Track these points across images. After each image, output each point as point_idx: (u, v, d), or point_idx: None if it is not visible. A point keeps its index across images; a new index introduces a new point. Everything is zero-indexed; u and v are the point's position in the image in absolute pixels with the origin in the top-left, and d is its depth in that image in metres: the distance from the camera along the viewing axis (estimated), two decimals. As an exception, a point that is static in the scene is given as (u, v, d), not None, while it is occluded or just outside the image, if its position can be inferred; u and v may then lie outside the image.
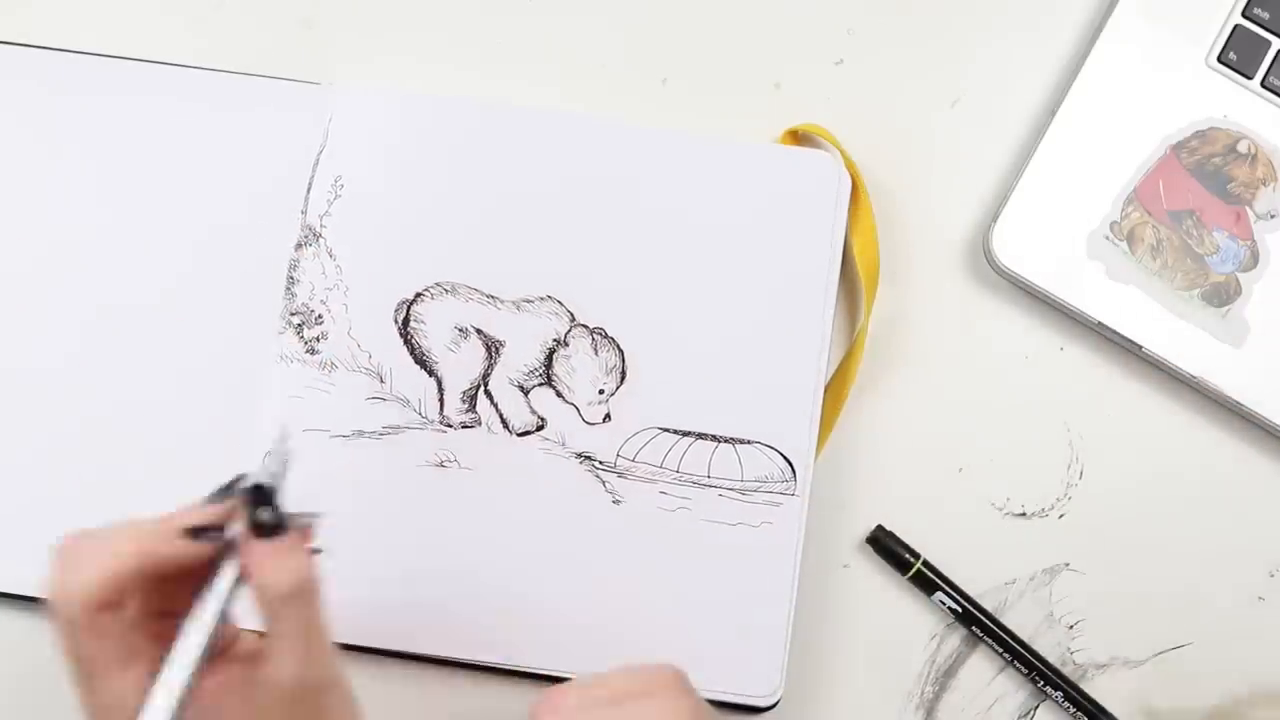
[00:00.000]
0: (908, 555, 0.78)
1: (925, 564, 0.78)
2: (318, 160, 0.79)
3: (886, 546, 0.78)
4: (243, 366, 0.77)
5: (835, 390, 0.79)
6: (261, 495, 0.58)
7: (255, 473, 0.59)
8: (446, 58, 0.83)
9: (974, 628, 0.78)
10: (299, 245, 0.78)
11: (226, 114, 0.80)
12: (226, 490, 0.60)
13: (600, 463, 0.77)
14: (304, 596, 0.58)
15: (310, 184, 0.79)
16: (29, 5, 0.83)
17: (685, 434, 0.77)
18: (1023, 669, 0.78)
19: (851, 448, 0.80)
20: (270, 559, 0.57)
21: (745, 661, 0.75)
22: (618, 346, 0.78)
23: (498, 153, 0.79)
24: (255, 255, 0.78)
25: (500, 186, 0.79)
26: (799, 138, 0.82)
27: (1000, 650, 0.78)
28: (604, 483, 0.77)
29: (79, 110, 0.80)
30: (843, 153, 0.81)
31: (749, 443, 0.77)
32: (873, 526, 0.79)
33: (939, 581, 0.78)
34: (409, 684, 0.76)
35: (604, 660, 0.74)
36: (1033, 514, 0.80)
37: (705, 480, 0.77)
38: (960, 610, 0.78)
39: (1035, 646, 0.78)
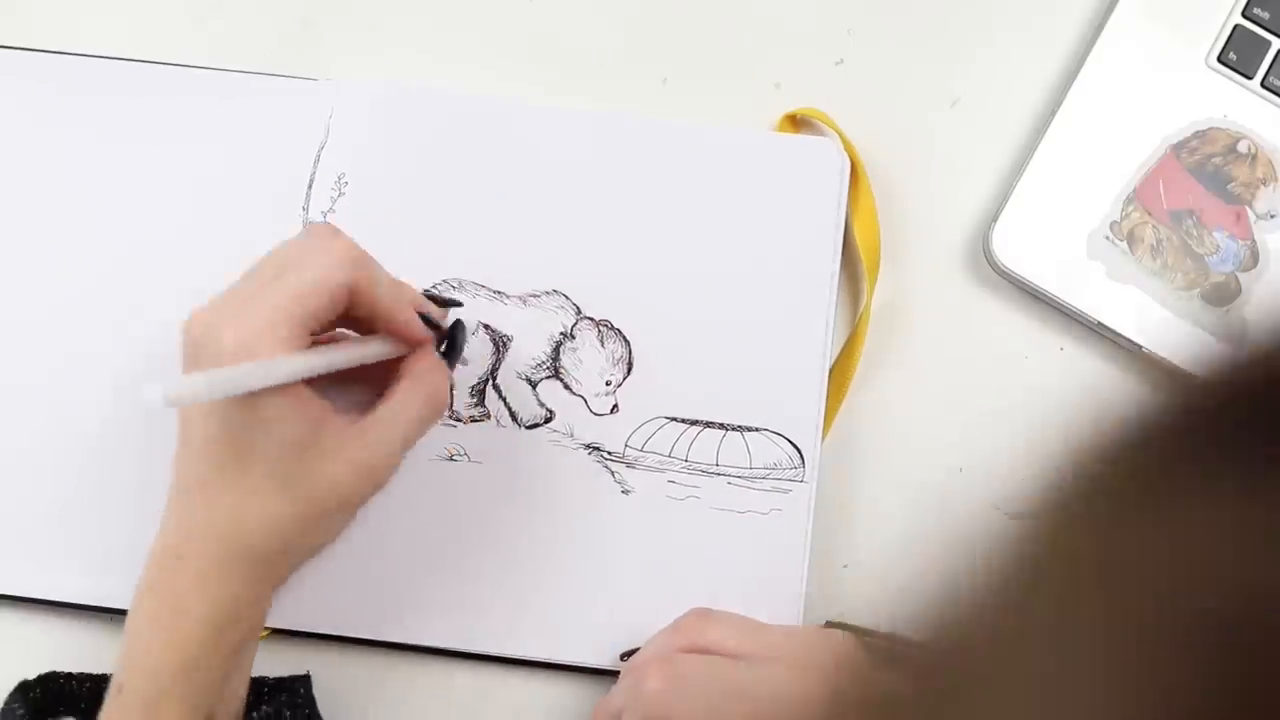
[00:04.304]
0: (865, 639, 0.77)
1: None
2: (319, 156, 0.79)
3: None
4: (249, 364, 0.77)
5: (840, 373, 0.79)
6: (457, 330, 0.70)
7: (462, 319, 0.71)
8: (446, 61, 0.83)
9: None
10: (301, 242, 0.78)
11: (226, 112, 0.80)
12: (443, 304, 0.70)
13: (609, 453, 0.77)
14: (435, 411, 0.67)
15: (311, 180, 0.78)
16: (29, 5, 0.82)
17: (693, 422, 0.77)
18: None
19: (851, 448, 0.80)
20: (438, 370, 0.68)
21: None
22: (624, 338, 0.78)
23: (500, 148, 0.80)
24: (259, 253, 0.78)
25: (503, 181, 0.79)
26: (798, 123, 0.82)
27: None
28: (613, 473, 0.77)
29: (78, 111, 0.80)
30: (841, 135, 0.81)
31: (756, 430, 0.77)
32: (874, 528, 0.79)
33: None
34: (418, 676, 0.76)
35: (614, 650, 0.75)
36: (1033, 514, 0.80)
37: (714, 468, 0.77)
38: None
39: (1035, 647, 0.78)
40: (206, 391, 0.60)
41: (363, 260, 0.65)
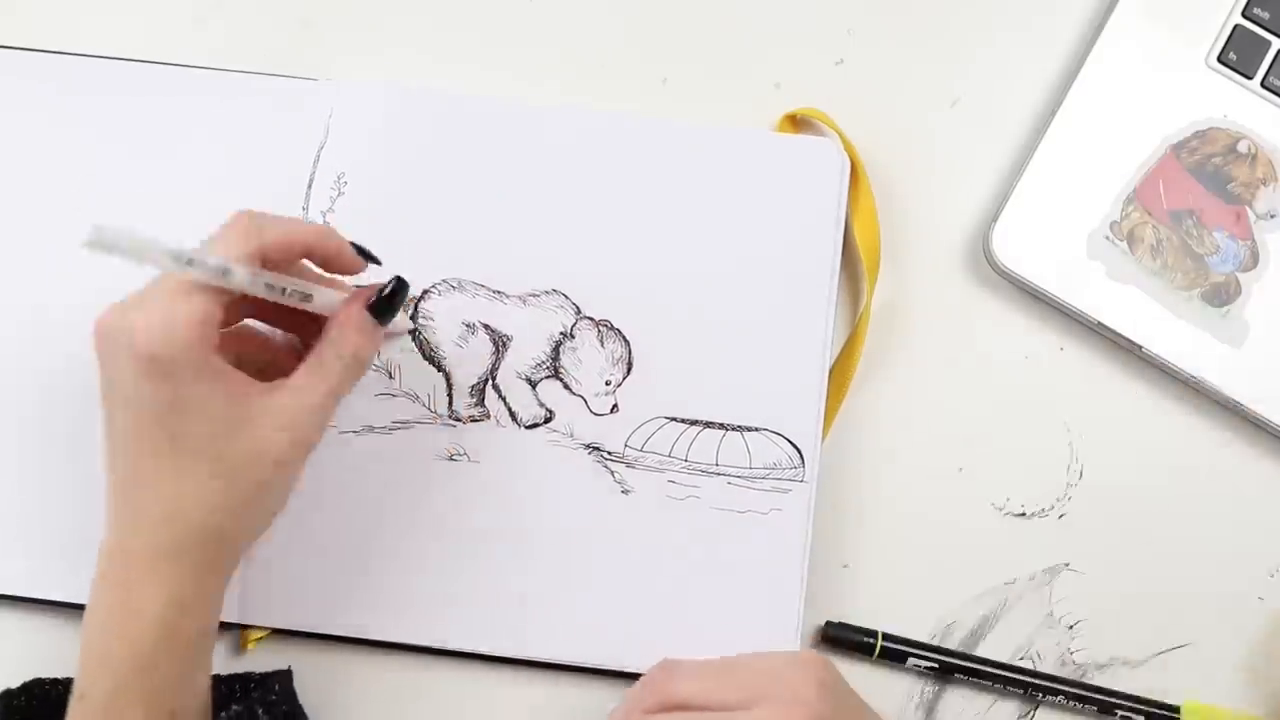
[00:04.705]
0: (865, 639, 0.77)
1: (886, 637, 0.77)
2: (318, 156, 0.79)
3: (843, 640, 0.78)
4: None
5: (840, 374, 0.79)
6: (397, 290, 0.68)
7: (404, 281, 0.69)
8: (446, 61, 0.83)
9: (957, 674, 0.78)
10: (301, 242, 0.78)
11: (225, 112, 0.80)
12: (373, 258, 0.69)
13: (609, 453, 0.77)
14: (357, 368, 0.67)
15: (311, 180, 0.78)
16: (29, 5, 0.82)
17: (693, 422, 0.77)
18: (1018, 690, 0.78)
19: (851, 448, 0.80)
20: (364, 328, 0.67)
21: (757, 646, 0.75)
22: (624, 338, 0.78)
23: (500, 147, 0.80)
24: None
25: (503, 181, 0.79)
26: (798, 123, 0.82)
27: (991, 683, 0.78)
28: (613, 473, 0.77)
29: (78, 111, 0.80)
30: (841, 136, 0.81)
31: (756, 430, 0.77)
32: (874, 528, 0.79)
33: (908, 650, 0.78)
34: (420, 676, 0.76)
35: (614, 650, 0.75)
36: (1033, 514, 0.80)
37: (714, 468, 0.77)
38: (938, 664, 0.78)
39: (1035, 647, 0.78)
40: (141, 249, 0.60)
41: (264, 226, 0.65)
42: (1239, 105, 0.81)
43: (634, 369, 0.78)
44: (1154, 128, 0.81)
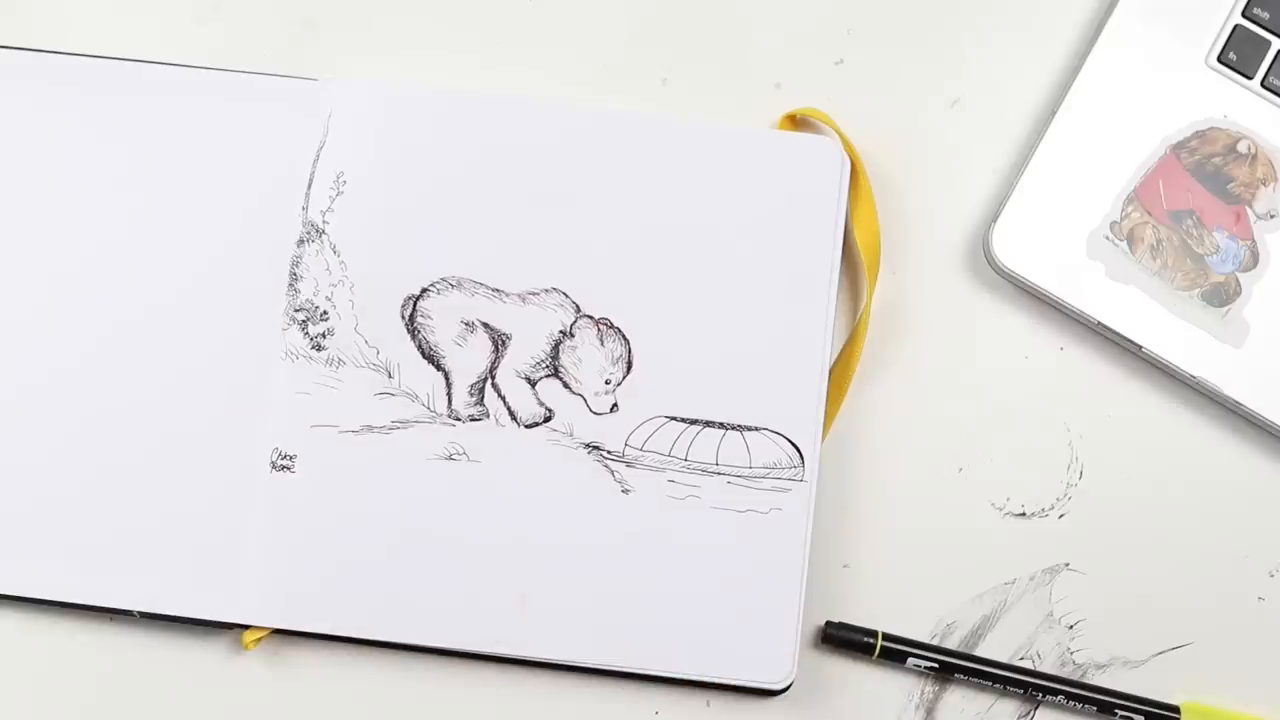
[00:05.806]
0: (866, 639, 0.77)
1: (886, 637, 0.78)
2: (318, 156, 0.79)
3: (843, 640, 0.78)
4: (249, 364, 0.77)
5: (840, 374, 0.79)
6: None
7: None
8: (445, 60, 0.83)
9: (957, 674, 0.78)
10: (300, 242, 0.78)
11: (225, 111, 0.80)
12: None
13: (609, 452, 0.77)
14: None
15: (310, 180, 0.79)
16: (29, 5, 0.83)
17: (693, 422, 0.77)
18: (1018, 690, 0.78)
19: (851, 448, 0.80)
20: None
21: (758, 646, 0.76)
22: (624, 336, 0.78)
23: (499, 146, 0.80)
24: (259, 253, 0.78)
25: (503, 180, 0.79)
26: (797, 122, 0.82)
27: (991, 683, 0.78)
28: (613, 472, 0.77)
29: (79, 111, 0.80)
30: (841, 136, 0.81)
31: (756, 429, 0.77)
32: (874, 528, 0.79)
33: (908, 650, 0.78)
34: (420, 677, 0.76)
35: (614, 650, 0.75)
36: (1033, 514, 0.80)
37: (714, 468, 0.77)
38: (938, 664, 0.78)
39: (1035, 647, 0.78)
40: None
41: None
42: (1239, 105, 0.81)
43: (634, 368, 0.78)
44: (1154, 128, 0.81)
